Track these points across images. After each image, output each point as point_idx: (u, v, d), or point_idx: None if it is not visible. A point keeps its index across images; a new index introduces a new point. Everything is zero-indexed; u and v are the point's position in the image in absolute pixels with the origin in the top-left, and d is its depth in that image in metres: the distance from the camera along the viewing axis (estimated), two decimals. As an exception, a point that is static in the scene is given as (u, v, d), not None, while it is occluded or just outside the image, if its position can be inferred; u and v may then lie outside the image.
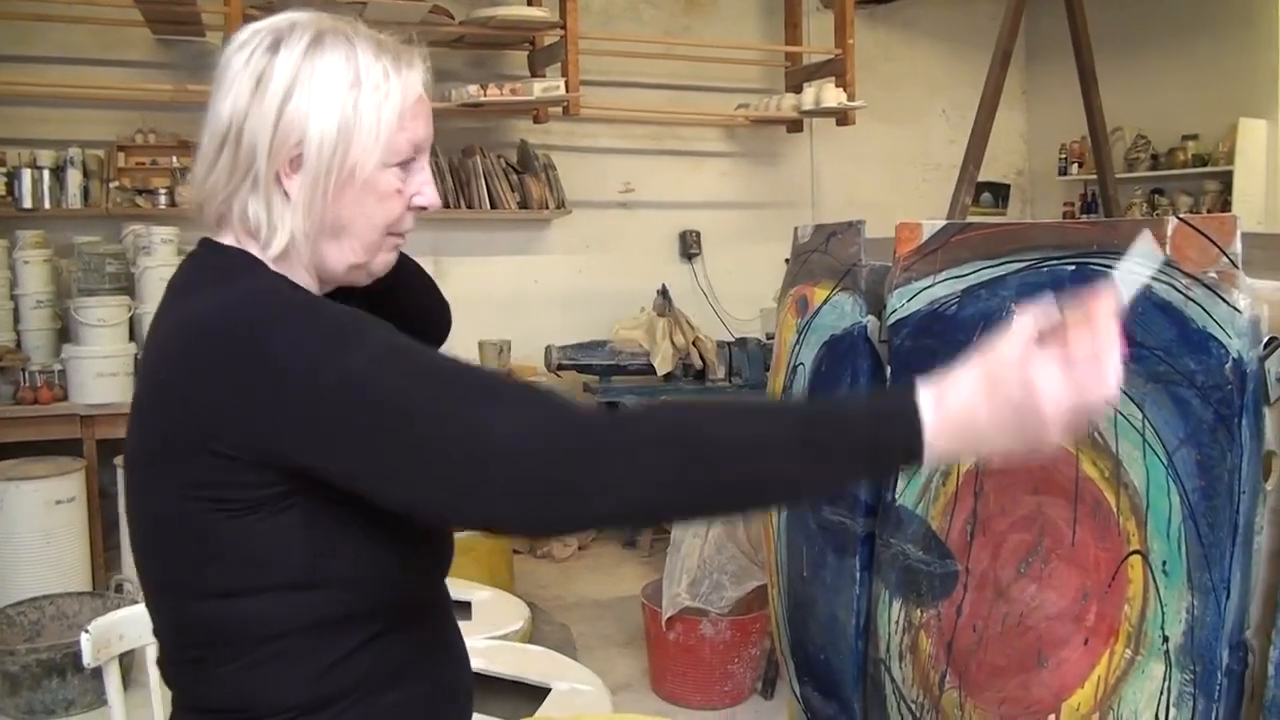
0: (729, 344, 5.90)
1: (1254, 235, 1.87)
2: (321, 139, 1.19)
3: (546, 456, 1.03)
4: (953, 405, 1.03)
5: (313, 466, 1.10)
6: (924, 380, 1.06)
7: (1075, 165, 6.83)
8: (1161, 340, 1.68)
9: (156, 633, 1.29)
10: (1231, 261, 1.61)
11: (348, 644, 1.20)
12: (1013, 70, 7.25)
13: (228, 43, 1.24)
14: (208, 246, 1.26)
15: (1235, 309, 1.60)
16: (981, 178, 7.31)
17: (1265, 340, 1.61)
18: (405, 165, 1.26)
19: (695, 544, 3.69)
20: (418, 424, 1.05)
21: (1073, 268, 1.82)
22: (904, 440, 1.04)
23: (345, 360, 1.08)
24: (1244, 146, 5.84)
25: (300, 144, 1.19)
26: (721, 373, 5.76)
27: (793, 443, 1.06)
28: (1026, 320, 1.05)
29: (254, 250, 1.23)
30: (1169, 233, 1.68)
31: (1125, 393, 1.73)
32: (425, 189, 1.29)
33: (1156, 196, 6.42)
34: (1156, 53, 6.43)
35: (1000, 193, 7.46)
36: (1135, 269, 1.22)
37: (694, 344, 5.65)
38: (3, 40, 5.07)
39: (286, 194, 1.21)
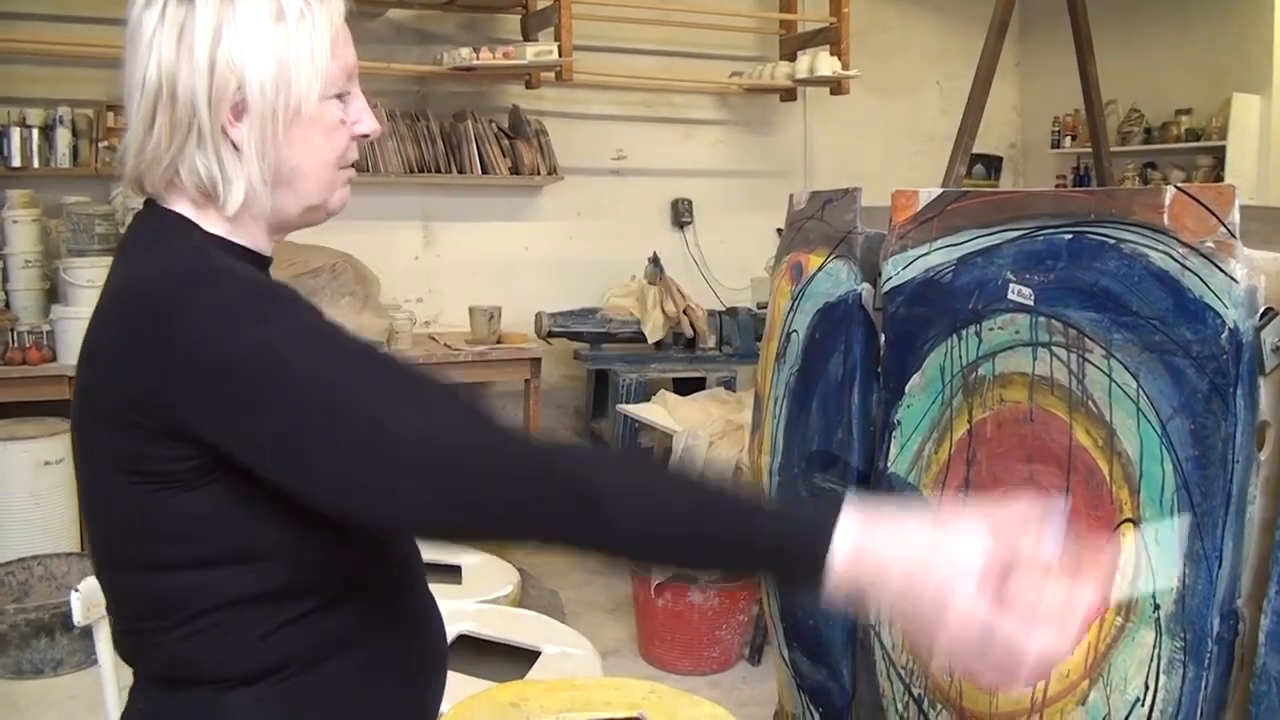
0: (720, 313, 5.92)
1: (1250, 208, 1.87)
2: (261, 80, 1.15)
3: (454, 464, 1.01)
4: (874, 548, 0.96)
5: (213, 439, 1.07)
6: (863, 506, 0.98)
7: (1068, 138, 6.83)
8: (1157, 309, 1.67)
9: (107, 607, 1.28)
10: (1229, 231, 1.61)
11: (288, 614, 1.18)
12: (1006, 43, 7.22)
13: (130, 4, 1.18)
14: (150, 208, 1.23)
15: (1232, 279, 1.59)
16: (974, 150, 7.34)
17: (1261, 310, 1.61)
18: (342, 96, 1.23)
19: (685, 511, 3.69)
20: (323, 406, 1.03)
21: (1069, 236, 1.82)
22: (806, 554, 0.97)
23: (259, 331, 1.06)
24: (1237, 121, 5.85)
25: (241, 89, 1.14)
26: (712, 342, 5.78)
27: (686, 511, 1.02)
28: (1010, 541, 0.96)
29: (208, 212, 1.20)
30: (1166, 201, 1.67)
31: (1121, 361, 1.73)
32: (364, 116, 1.26)
33: (1149, 170, 6.43)
34: (1151, 26, 6.42)
35: (993, 165, 7.46)
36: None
37: (685, 312, 5.65)
38: (-10, -2, 5.02)
39: (235, 145, 1.16)
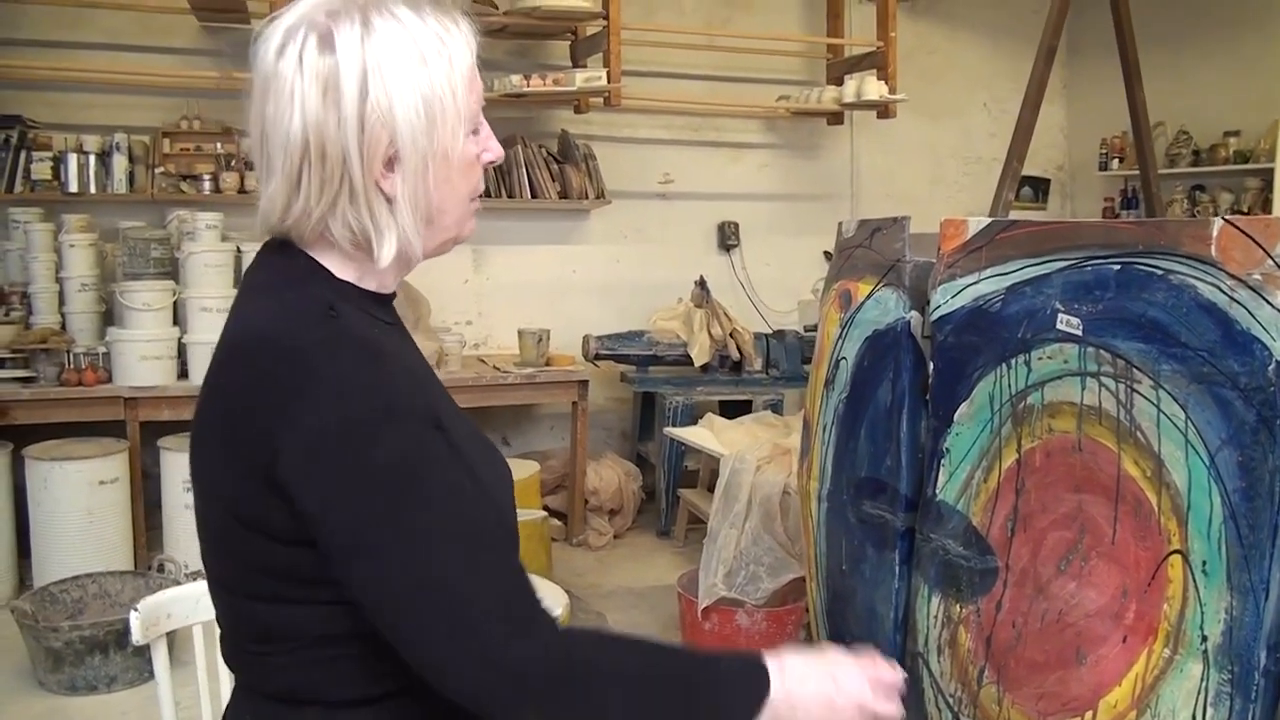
0: (767, 336, 5.93)
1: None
2: (413, 130, 1.12)
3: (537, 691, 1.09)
4: (792, 690, 1.18)
5: (301, 507, 1.09)
6: (775, 659, 1.20)
7: (1116, 160, 6.78)
8: (1205, 341, 1.68)
9: (218, 619, 1.30)
10: (1276, 264, 1.61)
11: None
12: (1054, 65, 7.24)
13: (257, 45, 1.14)
14: (277, 248, 1.21)
15: (1279, 311, 1.60)
16: (1023, 172, 7.30)
17: (1310, 343, 1.61)
18: (477, 129, 1.20)
19: (732, 535, 3.71)
20: (417, 583, 1.08)
21: (1118, 267, 1.83)
22: (748, 702, 1.16)
23: (381, 435, 1.08)
24: (1286, 143, 5.79)
25: (393, 142, 1.12)
26: (759, 364, 5.78)
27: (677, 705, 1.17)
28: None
29: (348, 260, 1.19)
30: (1214, 234, 1.69)
31: (1169, 392, 1.74)
32: (491, 144, 1.23)
33: (1197, 193, 6.38)
34: (1199, 48, 6.38)
35: (1040, 187, 7.42)
36: None
37: (731, 335, 5.67)
38: (50, 26, 5.15)
39: (387, 197, 1.14)
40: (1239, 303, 1.65)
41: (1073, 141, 7.47)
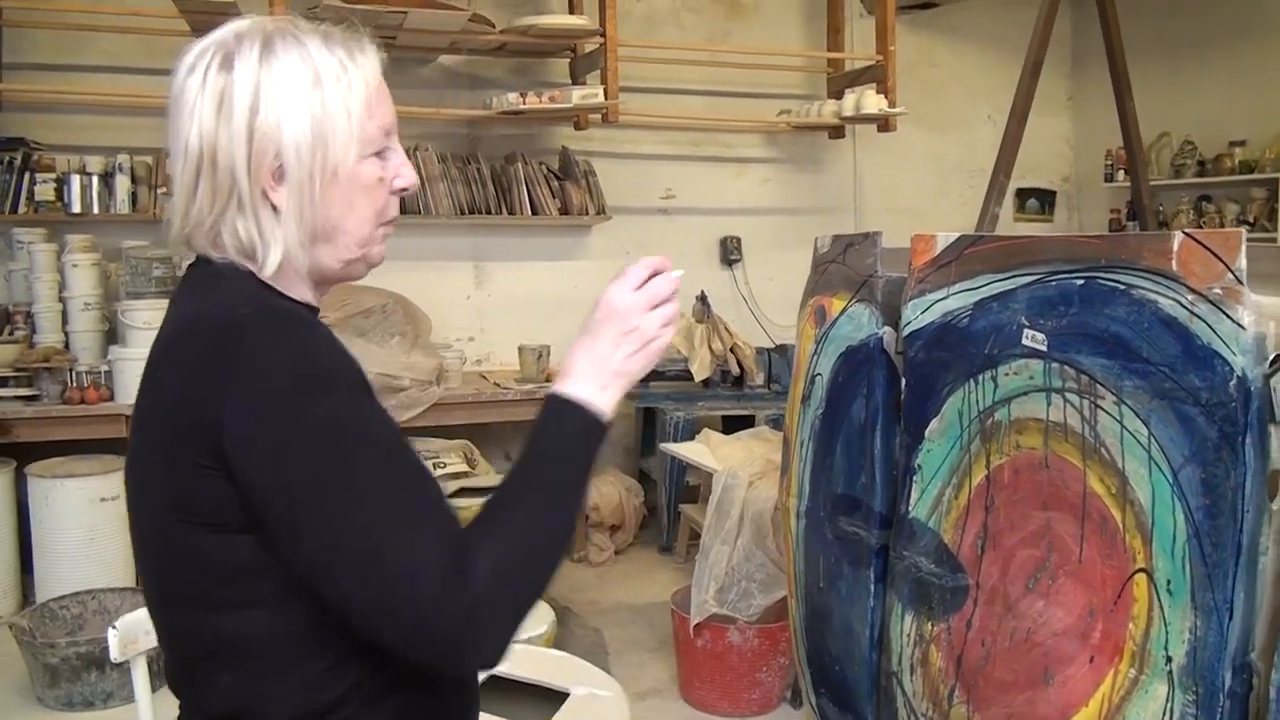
0: (769, 350, 5.92)
1: (1268, 248, 1.85)
2: (298, 146, 1.18)
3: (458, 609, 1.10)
4: (589, 370, 1.26)
5: (240, 475, 1.11)
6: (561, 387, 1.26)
7: (1121, 171, 6.74)
8: (1167, 356, 1.66)
9: (160, 643, 1.31)
10: (1236, 278, 1.60)
11: (342, 650, 1.20)
12: (1058, 76, 7.25)
13: (176, 65, 1.22)
14: (205, 261, 1.25)
15: (1240, 325, 1.58)
16: (1027, 184, 7.30)
17: (1271, 358, 1.59)
18: (381, 153, 1.26)
19: (724, 551, 3.69)
20: (351, 538, 1.10)
21: (1081, 281, 1.81)
22: (601, 434, 1.25)
23: (318, 401, 1.12)
24: (1291, 153, 5.76)
25: (279, 155, 1.18)
26: (760, 379, 5.77)
27: (558, 497, 1.22)
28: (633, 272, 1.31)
29: (250, 268, 1.23)
30: (1174, 248, 1.67)
31: (1132, 409, 1.72)
32: (403, 170, 1.30)
33: (1203, 203, 6.34)
34: (1204, 58, 6.36)
35: (1046, 199, 7.39)
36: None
37: (732, 350, 5.66)
38: (54, 50, 5.19)
39: (274, 207, 1.20)
40: (1199, 317, 1.63)
41: (1079, 153, 7.44)
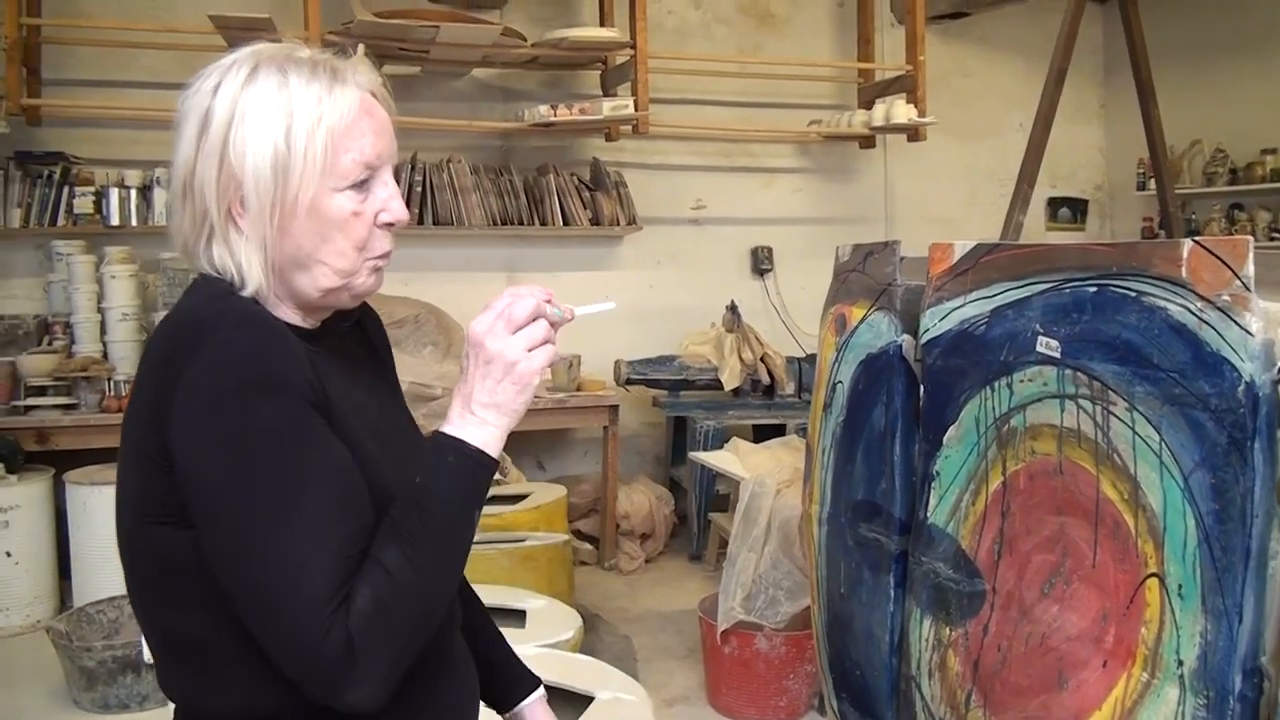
0: (799, 360, 5.93)
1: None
2: (257, 176, 1.19)
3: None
4: (458, 406, 1.23)
5: (184, 482, 1.14)
6: (449, 423, 1.24)
7: (1153, 180, 6.71)
8: (1176, 363, 1.68)
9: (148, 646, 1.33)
10: (1244, 284, 1.61)
11: None
12: (1091, 84, 7.23)
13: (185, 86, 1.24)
14: (202, 277, 1.28)
15: (1248, 332, 1.60)
16: (1060, 193, 7.29)
17: (1281, 364, 1.61)
18: (361, 185, 1.25)
19: (750, 559, 3.72)
20: (252, 553, 1.11)
21: (1094, 289, 1.83)
22: (482, 470, 1.22)
23: (269, 406, 1.13)
24: (1323, 160, 5.73)
25: (240, 186, 1.19)
26: (791, 388, 5.79)
27: (435, 534, 1.19)
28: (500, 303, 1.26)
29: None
30: (1184, 255, 1.69)
31: (1144, 414, 1.73)
32: (391, 205, 1.27)
33: (1235, 211, 6.31)
34: (1235, 65, 6.34)
35: (1079, 208, 7.38)
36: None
37: (762, 359, 5.68)
38: (94, 66, 5.32)
39: (243, 234, 1.21)
40: (1208, 324, 1.65)
41: (1111, 161, 7.42)
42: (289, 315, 1.28)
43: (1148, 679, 1.73)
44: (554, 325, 1.28)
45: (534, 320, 1.25)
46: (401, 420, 1.45)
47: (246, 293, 1.22)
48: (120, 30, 5.13)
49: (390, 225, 1.28)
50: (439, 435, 1.22)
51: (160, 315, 4.83)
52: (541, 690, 1.67)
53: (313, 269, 1.24)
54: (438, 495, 1.19)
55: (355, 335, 1.44)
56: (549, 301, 1.28)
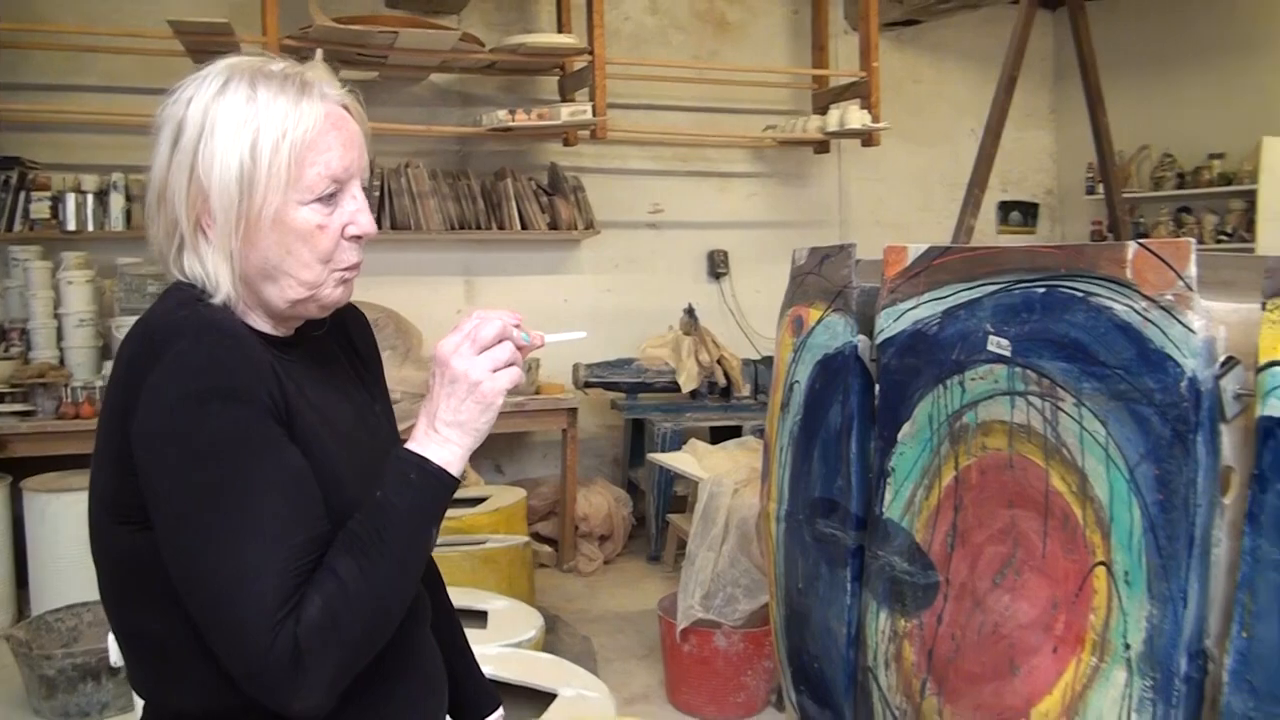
0: (755, 362, 6.00)
1: (1230, 256, 1.94)
2: (223, 188, 1.21)
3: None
4: (423, 424, 1.25)
5: (142, 478, 1.17)
6: (414, 443, 1.25)
7: (1102, 184, 6.85)
8: (1122, 360, 1.74)
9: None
10: (1187, 285, 1.68)
11: None
12: (1041, 90, 7.36)
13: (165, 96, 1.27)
14: (175, 284, 1.31)
15: (1190, 330, 1.66)
16: (1011, 197, 7.41)
17: (1222, 360, 1.67)
18: (328, 199, 1.27)
19: (709, 558, 3.77)
20: (201, 558, 1.14)
21: (1043, 290, 1.90)
22: (442, 488, 1.24)
23: (226, 413, 1.15)
24: (1268, 165, 5.86)
25: (207, 198, 1.22)
26: (747, 390, 5.85)
27: (392, 548, 1.20)
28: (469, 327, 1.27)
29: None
30: (1129, 257, 1.75)
31: (1090, 410, 1.80)
32: (358, 218, 1.30)
33: (1183, 214, 6.45)
34: (1183, 72, 6.48)
35: (1029, 212, 7.50)
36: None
37: (719, 362, 5.74)
38: (50, 70, 5.29)
39: (210, 242, 1.24)
40: (1152, 322, 1.71)
41: (1061, 166, 7.55)
42: (260, 324, 1.31)
43: (1096, 663, 1.80)
44: (522, 349, 1.30)
45: (500, 342, 1.26)
46: (380, 426, 1.47)
47: (217, 300, 1.24)
48: (78, 34, 5.11)
49: (358, 238, 1.30)
50: (403, 451, 1.24)
51: (118, 321, 4.82)
52: (501, 712, 1.69)
53: (279, 280, 1.26)
54: (397, 509, 1.21)
55: (338, 340, 1.46)
56: (518, 326, 1.30)
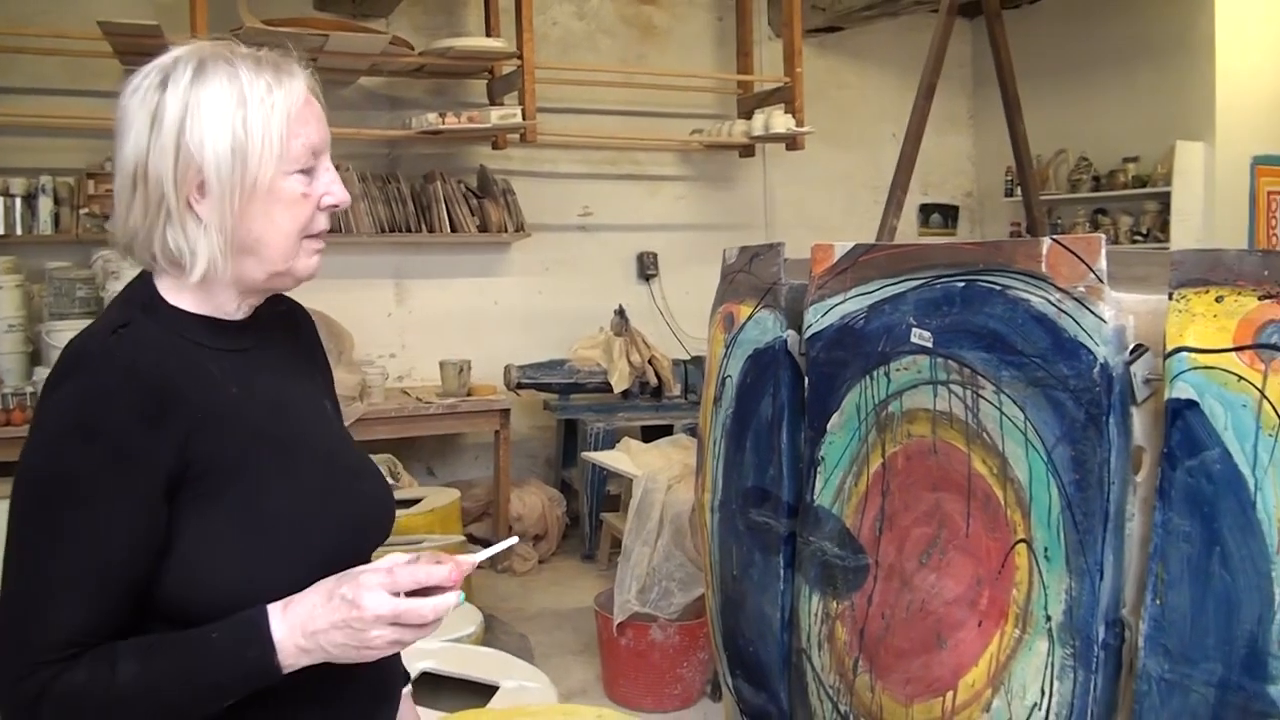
0: (685, 362, 6.08)
1: (1141, 253, 2.05)
2: (218, 161, 1.25)
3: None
4: (300, 627, 1.20)
5: None
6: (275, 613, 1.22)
7: (1021, 187, 7.04)
8: (1038, 348, 1.85)
9: None
10: (1098, 277, 1.78)
11: None
12: (961, 96, 7.54)
13: (123, 87, 1.29)
14: (138, 277, 1.35)
15: (1101, 319, 1.77)
16: (931, 200, 7.58)
17: (1132, 347, 1.78)
18: (308, 171, 1.32)
19: (644, 552, 3.84)
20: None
21: (963, 284, 1.99)
22: (264, 677, 1.21)
23: (74, 458, 1.19)
24: (1182, 168, 6.06)
25: (201, 170, 1.25)
26: (678, 390, 5.93)
27: (182, 690, 1.20)
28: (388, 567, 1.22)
29: (179, 282, 1.31)
30: (1044, 252, 1.86)
31: (1009, 396, 1.90)
32: (333, 188, 1.35)
33: (1099, 216, 6.65)
34: (1098, 78, 6.68)
35: (949, 214, 7.68)
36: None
37: (650, 362, 5.82)
38: (-23, 73, 5.21)
39: (200, 219, 1.27)
40: (1066, 313, 1.82)
41: (980, 169, 7.74)
42: (224, 304, 1.34)
43: (1019, 635, 1.90)
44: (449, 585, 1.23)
45: (417, 591, 1.21)
46: (326, 415, 1.50)
47: (193, 278, 1.28)
48: (5, 35, 5.05)
49: (334, 206, 1.36)
50: (264, 622, 1.21)
51: (48, 326, 4.75)
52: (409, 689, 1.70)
53: (260, 252, 1.30)
54: (212, 664, 1.21)
55: (287, 329, 1.51)
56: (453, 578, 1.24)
